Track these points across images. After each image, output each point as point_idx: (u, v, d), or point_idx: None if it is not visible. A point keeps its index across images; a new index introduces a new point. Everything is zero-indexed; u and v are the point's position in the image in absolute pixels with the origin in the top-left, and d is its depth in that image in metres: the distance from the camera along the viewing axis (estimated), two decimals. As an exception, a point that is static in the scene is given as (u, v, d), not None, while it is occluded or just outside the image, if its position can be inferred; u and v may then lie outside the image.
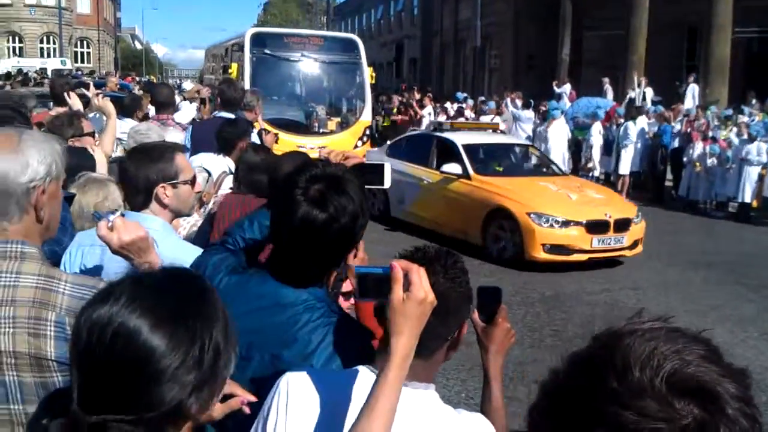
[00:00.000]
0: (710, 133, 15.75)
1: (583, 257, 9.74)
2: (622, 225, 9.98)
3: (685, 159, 15.98)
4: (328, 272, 2.04)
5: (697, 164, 15.53)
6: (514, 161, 12.48)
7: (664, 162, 16.92)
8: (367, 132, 17.01)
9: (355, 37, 18.63)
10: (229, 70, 16.89)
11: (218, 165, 5.24)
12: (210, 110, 9.19)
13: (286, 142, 14.55)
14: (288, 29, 25.91)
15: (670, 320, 0.91)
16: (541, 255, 9.69)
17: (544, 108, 19.14)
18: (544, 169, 12.45)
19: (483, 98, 23.29)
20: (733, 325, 7.92)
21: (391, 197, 12.28)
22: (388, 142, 14.27)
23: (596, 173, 17.45)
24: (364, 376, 1.69)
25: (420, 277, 1.50)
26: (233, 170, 4.88)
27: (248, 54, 16.42)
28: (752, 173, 14.51)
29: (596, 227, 9.76)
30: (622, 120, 17.55)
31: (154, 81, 33.48)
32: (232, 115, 6.71)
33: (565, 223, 9.70)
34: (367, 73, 17.55)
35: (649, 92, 20.68)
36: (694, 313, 8.20)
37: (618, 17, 23.29)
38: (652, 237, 11.21)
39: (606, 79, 22.57)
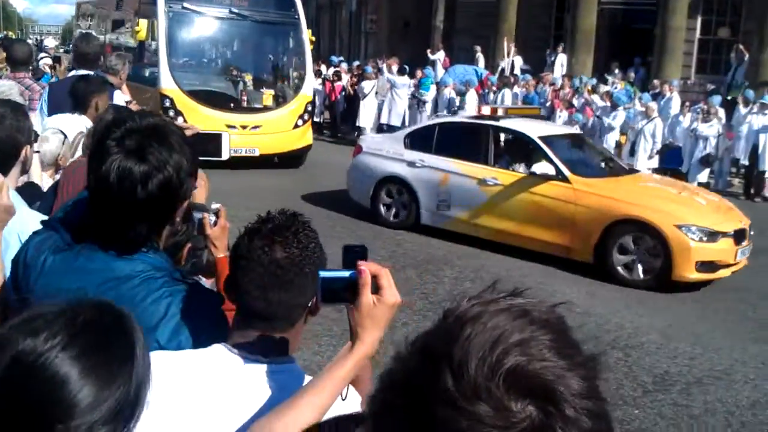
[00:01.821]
0: (575, 102, 16.39)
1: (727, 273, 8.39)
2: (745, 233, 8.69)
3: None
4: (157, 232, 1.88)
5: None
6: (584, 156, 10.37)
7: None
8: (309, 108, 14.81)
9: None
10: (136, 28, 14.78)
11: (74, 125, 4.93)
12: (65, 70, 8.65)
13: (211, 119, 12.92)
14: None
15: (525, 293, 0.84)
16: (693, 275, 8.18)
17: (420, 74, 19.32)
18: (612, 165, 10.37)
19: (358, 63, 23.20)
20: (587, 285, 8.32)
21: (423, 201, 9.99)
22: (406, 131, 11.25)
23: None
24: (220, 354, 1.63)
25: (389, 280, 1.47)
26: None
27: (162, 8, 13.71)
28: (609, 139, 15.19)
29: (740, 237, 8.48)
30: (495, 88, 17.97)
31: (12, 37, 31.33)
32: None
33: (714, 235, 8.22)
34: (307, 36, 15.08)
35: (518, 61, 21.27)
36: (575, 284, 8.54)
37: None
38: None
39: (478, 47, 23.01)
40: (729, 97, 16.92)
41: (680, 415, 5.32)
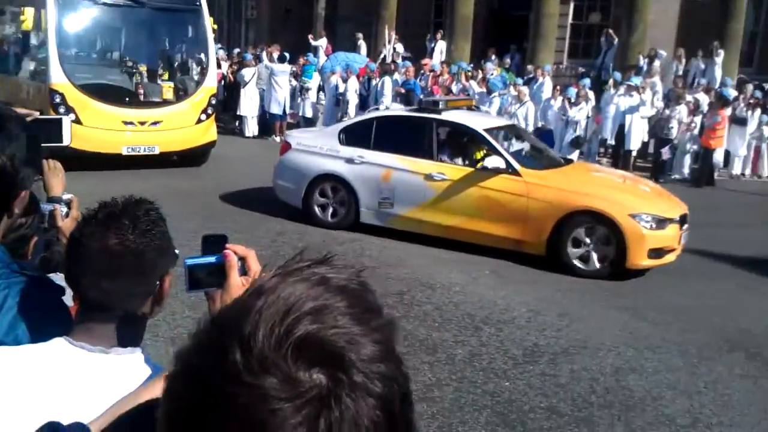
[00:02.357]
0: (453, 88, 16.78)
1: (672, 258, 8.54)
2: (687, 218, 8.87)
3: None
4: None
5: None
6: (527, 147, 10.31)
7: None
8: (213, 102, 13.86)
9: None
10: (21, 18, 13.39)
11: None
12: None
13: (106, 115, 12.22)
14: None
15: (332, 260, 0.81)
16: (645, 262, 8.36)
17: (303, 61, 19.25)
18: (549, 156, 10.40)
19: (238, 50, 22.87)
20: (464, 264, 8.60)
21: (363, 199, 9.58)
22: (340, 126, 10.67)
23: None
24: (60, 348, 1.58)
25: (257, 262, 1.46)
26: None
27: None
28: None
29: (683, 223, 8.66)
30: (375, 75, 18.12)
31: None
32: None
33: (663, 222, 8.37)
34: (209, 24, 14.17)
35: (400, 48, 21.53)
36: (431, 259, 8.78)
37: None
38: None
39: (360, 35, 23.12)
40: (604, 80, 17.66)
41: (548, 384, 5.60)
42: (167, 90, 13.57)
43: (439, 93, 16.58)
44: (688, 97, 15.67)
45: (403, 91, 17.41)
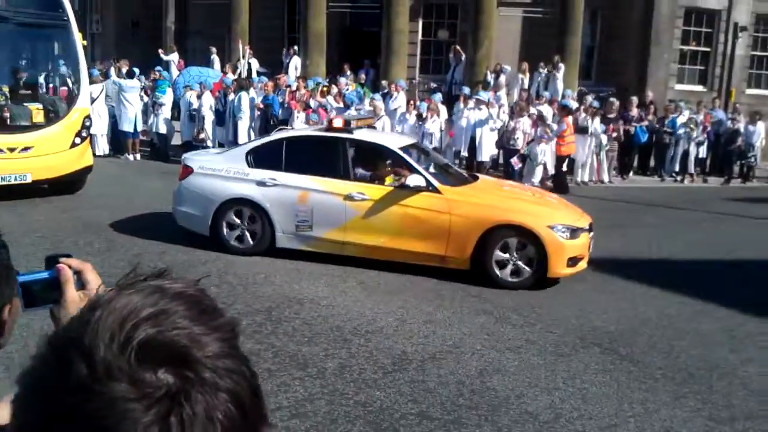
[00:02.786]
0: (311, 103, 16.83)
1: (584, 265, 8.94)
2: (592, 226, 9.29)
3: (289, 127, 16.88)
4: None
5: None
6: (433, 165, 10.21)
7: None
8: (87, 123, 12.76)
9: None
10: None
11: None
12: None
13: None
14: None
15: (167, 273, 0.82)
16: (565, 270, 8.70)
17: (155, 76, 18.67)
18: (454, 172, 10.47)
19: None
20: (332, 277, 8.65)
21: (278, 223, 9.24)
22: (246, 148, 10.07)
23: (209, 143, 17.59)
24: None
25: (95, 274, 1.43)
26: None
27: None
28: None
29: (590, 231, 9.09)
30: (231, 91, 17.88)
31: None
32: None
33: (576, 231, 8.74)
34: (79, 40, 13.06)
35: (255, 63, 21.37)
36: (297, 273, 8.75)
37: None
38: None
39: (213, 49, 22.75)
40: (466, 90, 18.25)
41: (417, 390, 5.71)
42: (37, 112, 12.22)
43: (297, 108, 16.59)
44: (532, 110, 16.51)
45: (261, 106, 17.30)
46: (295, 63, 21.90)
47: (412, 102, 16.85)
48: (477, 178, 10.37)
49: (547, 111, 16.85)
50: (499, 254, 8.69)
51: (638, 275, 9.39)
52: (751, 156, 19.43)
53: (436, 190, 8.94)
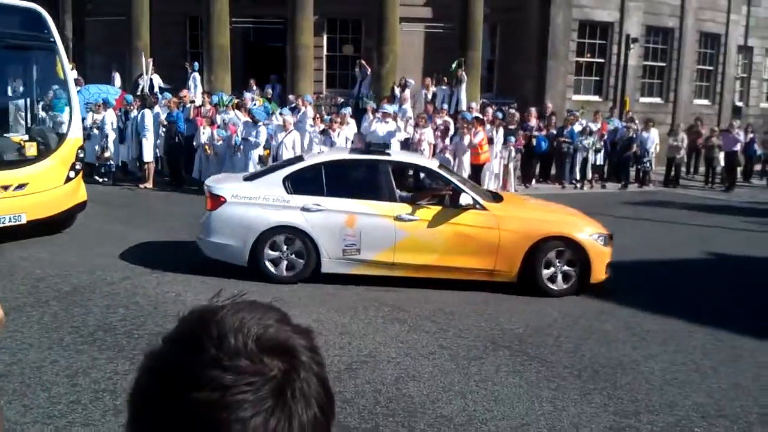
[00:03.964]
0: (218, 119, 16.68)
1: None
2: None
3: (195, 143, 16.68)
4: None
5: (207, 148, 16.36)
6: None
7: (183, 148, 17.28)
8: (81, 155, 11.65)
9: (36, 6, 11.47)
10: None
11: None
12: None
13: None
14: None
15: (244, 296, 1.03)
16: (603, 276, 9.19)
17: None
18: (485, 189, 10.84)
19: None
20: (263, 292, 8.55)
21: (324, 248, 9.08)
22: (282, 174, 9.55)
23: (112, 162, 17.18)
24: None
25: None
26: None
27: None
28: (254, 155, 15.76)
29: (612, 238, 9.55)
30: (134, 108, 17.52)
31: None
32: None
33: (609, 238, 9.33)
34: (68, 64, 12.00)
35: (157, 79, 20.97)
36: (211, 290, 8.63)
37: (120, 3, 22.99)
38: (174, 219, 11.52)
39: (115, 65, 22.22)
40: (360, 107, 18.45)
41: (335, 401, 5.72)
42: (31, 146, 10.92)
43: (204, 124, 16.39)
44: (438, 121, 16.86)
45: (166, 123, 17.00)
46: (195, 79, 21.56)
47: (318, 116, 16.92)
48: (500, 194, 10.67)
49: (450, 122, 17.26)
50: (547, 264, 9.13)
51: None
52: (646, 161, 20.41)
53: (483, 207, 9.22)
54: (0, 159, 10.49)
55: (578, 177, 19.56)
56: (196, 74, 21.49)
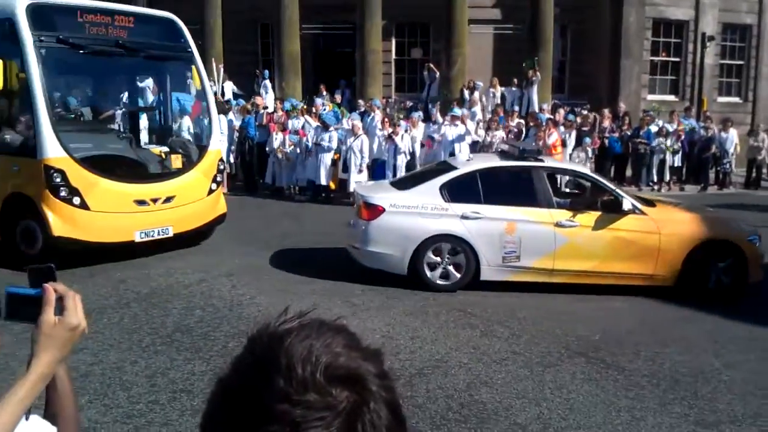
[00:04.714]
0: (289, 124, 16.90)
1: None
2: None
3: (267, 149, 16.93)
4: None
5: (279, 152, 16.60)
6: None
7: (251, 153, 17.68)
8: (221, 167, 11.57)
9: (173, 16, 11.45)
10: None
11: None
12: None
13: (117, 195, 9.78)
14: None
15: (311, 314, 1.02)
16: (759, 276, 9.27)
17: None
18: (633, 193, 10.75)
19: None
20: (317, 295, 8.65)
21: (484, 256, 9.10)
22: (438, 182, 9.49)
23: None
24: None
25: (75, 303, 1.48)
26: None
27: (29, 40, 9.31)
28: (326, 159, 15.92)
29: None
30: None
31: None
32: None
33: (759, 240, 9.40)
34: (205, 74, 11.84)
35: (230, 85, 21.39)
36: (283, 293, 8.76)
37: (193, 11, 23.48)
38: (243, 223, 11.70)
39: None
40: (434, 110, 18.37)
41: (406, 406, 5.50)
42: (176, 158, 10.81)
43: (275, 130, 16.64)
44: (512, 123, 16.68)
45: (238, 129, 17.33)
46: (269, 85, 21.91)
47: (386, 120, 16.97)
48: (649, 199, 10.51)
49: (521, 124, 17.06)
50: (708, 267, 9.13)
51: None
52: (726, 162, 19.74)
53: (642, 212, 9.23)
54: (147, 172, 10.47)
55: (655, 179, 19.06)
56: (267, 81, 21.82)
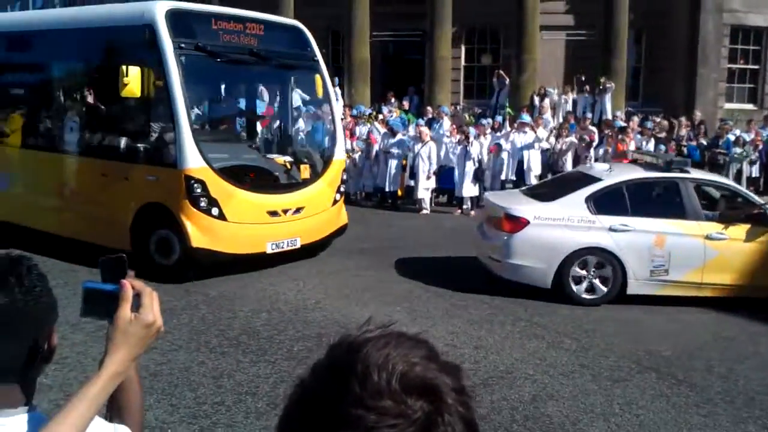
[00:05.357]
0: (356, 130, 16.99)
1: None
2: None
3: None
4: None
5: (348, 157, 16.70)
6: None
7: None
8: (344, 177, 11.51)
9: (299, 24, 11.55)
10: (125, 80, 8.90)
11: None
12: None
13: (252, 205, 9.69)
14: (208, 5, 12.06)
15: (392, 326, 1.01)
16: None
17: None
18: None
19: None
20: (380, 302, 8.65)
21: (632, 270, 8.95)
22: (584, 194, 9.28)
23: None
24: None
25: (152, 300, 1.48)
26: None
27: (169, 47, 9.20)
28: (393, 165, 15.94)
29: None
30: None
31: None
32: None
33: None
34: (330, 83, 11.69)
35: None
36: (347, 298, 8.78)
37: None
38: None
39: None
40: (499, 118, 18.21)
41: None
42: (305, 168, 10.65)
43: (346, 135, 16.73)
44: (585, 131, 16.39)
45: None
46: (337, 93, 22.03)
47: (455, 127, 16.87)
48: None
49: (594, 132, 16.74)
50: None
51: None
52: (807, 173, 18.94)
53: None
54: (279, 182, 10.39)
55: (732, 190, 18.42)
56: (336, 88, 21.98)
